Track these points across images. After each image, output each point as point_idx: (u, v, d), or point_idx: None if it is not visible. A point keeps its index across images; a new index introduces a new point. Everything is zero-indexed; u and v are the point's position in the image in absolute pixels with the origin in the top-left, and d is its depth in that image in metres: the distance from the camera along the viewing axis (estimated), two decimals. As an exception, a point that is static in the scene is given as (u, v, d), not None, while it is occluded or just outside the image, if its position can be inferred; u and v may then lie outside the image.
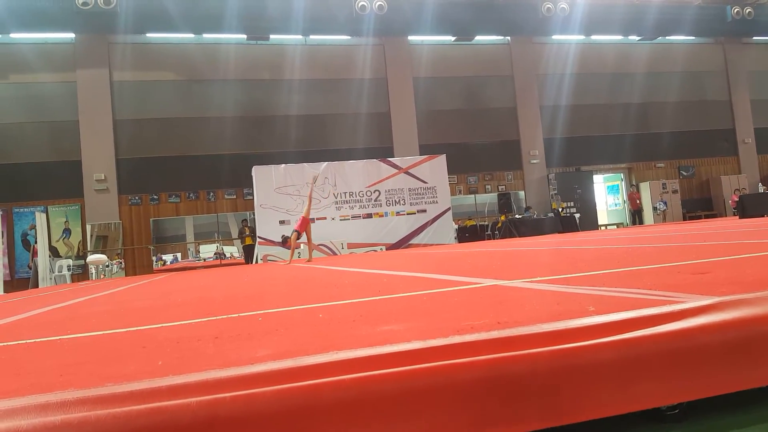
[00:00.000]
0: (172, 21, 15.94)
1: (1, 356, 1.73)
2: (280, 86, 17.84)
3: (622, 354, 1.18)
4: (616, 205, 22.20)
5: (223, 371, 1.05)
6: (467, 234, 17.34)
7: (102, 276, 14.70)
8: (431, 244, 15.13)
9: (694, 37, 21.56)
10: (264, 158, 16.10)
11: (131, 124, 16.72)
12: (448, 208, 15.84)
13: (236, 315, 2.20)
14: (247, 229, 16.37)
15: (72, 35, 16.49)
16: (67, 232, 16.20)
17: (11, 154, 15.96)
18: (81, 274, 15.85)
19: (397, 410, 1.01)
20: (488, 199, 19.55)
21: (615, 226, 20.90)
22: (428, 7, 17.33)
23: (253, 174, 14.79)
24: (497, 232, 17.19)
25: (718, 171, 21.65)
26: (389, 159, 16.10)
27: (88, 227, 16.12)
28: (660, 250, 4.19)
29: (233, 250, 18.07)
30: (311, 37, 18.02)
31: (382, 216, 15.33)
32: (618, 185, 21.99)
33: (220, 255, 17.68)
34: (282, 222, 14.58)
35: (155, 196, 16.75)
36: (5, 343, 2.07)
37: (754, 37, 22.20)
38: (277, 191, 14.58)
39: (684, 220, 19.96)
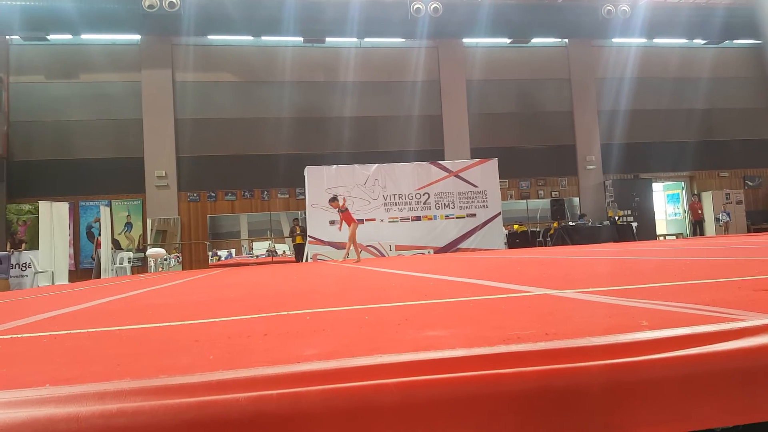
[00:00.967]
0: (233, 24, 16.42)
1: (64, 344, 1.83)
2: (335, 88, 18.08)
3: (676, 372, 1.14)
4: (675, 214, 21.34)
5: (271, 368, 1.07)
6: (518, 240, 17.05)
7: (160, 269, 15.29)
8: (480, 249, 14.97)
9: (761, 41, 20.47)
10: (317, 159, 16.37)
11: (191, 123, 17.32)
12: (499, 213, 15.64)
13: (285, 313, 2.25)
14: (298, 228, 16.67)
15: (138, 37, 17.24)
16: (128, 225, 16.93)
17: (79, 150, 16.81)
18: (140, 266, 16.53)
19: (440, 417, 1.01)
20: (540, 204, 19.18)
21: (674, 237, 20.11)
22: (484, 8, 17.17)
23: (305, 174, 15.04)
24: (549, 239, 16.83)
25: (788, 181, 20.53)
26: (440, 162, 16.04)
27: (149, 222, 16.79)
28: (720, 263, 4.02)
29: (285, 248, 18.42)
30: (366, 39, 18.17)
31: (431, 219, 15.28)
32: (678, 194, 21.13)
33: (271, 252, 18.06)
34: (332, 222, 14.75)
35: (212, 194, 17.28)
36: (69, 331, 2.18)
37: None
38: (328, 191, 14.76)
39: (748, 232, 18.99)
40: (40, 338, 2.01)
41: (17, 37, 16.66)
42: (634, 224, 17.75)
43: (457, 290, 2.91)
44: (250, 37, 17.53)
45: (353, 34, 17.34)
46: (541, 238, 17.21)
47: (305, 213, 15.37)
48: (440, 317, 1.87)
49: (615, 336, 1.24)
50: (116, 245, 16.15)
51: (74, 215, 16.45)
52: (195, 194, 17.21)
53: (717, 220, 19.29)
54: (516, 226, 17.48)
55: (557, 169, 19.25)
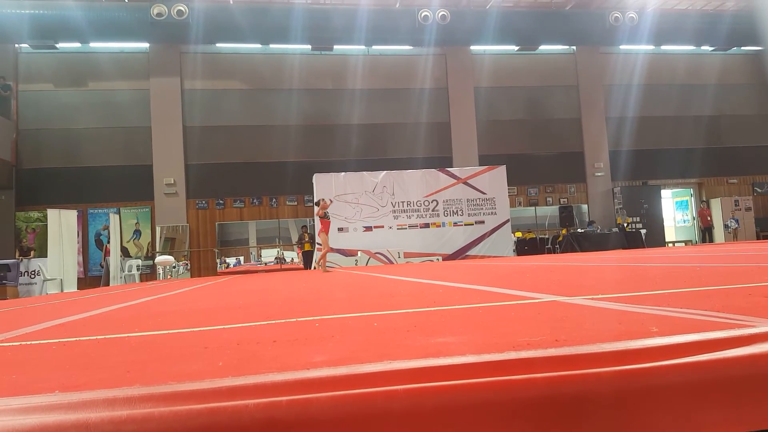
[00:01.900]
0: (240, 32, 16.53)
1: (73, 351, 1.84)
2: (343, 96, 18.15)
3: (686, 378, 1.13)
4: (684, 221, 21.19)
5: (280, 375, 1.08)
6: (526, 247, 16.99)
7: (169, 276, 15.34)
8: (489, 256, 14.93)
9: (763, 48, 20.38)
10: (325, 166, 16.41)
11: (200, 131, 17.43)
12: (507, 220, 15.60)
13: (294, 320, 2.25)
14: (306, 235, 16.70)
15: (146, 45, 17.39)
16: (137, 233, 17.02)
17: (88, 157, 16.94)
18: (149, 274, 16.60)
19: (450, 424, 1.01)
20: (549, 211, 19.11)
21: (683, 244, 19.96)
22: (491, 16, 17.20)
23: (313, 181, 15.09)
24: (558, 246, 16.76)
25: (800, 188, 20.34)
26: (448, 169, 16.04)
27: (158, 229, 16.87)
28: (730, 270, 3.98)
29: (293, 255, 18.45)
30: (373, 47, 18.25)
31: (439, 226, 15.26)
32: (687, 201, 20.99)
33: (280, 260, 18.09)
34: (341, 229, 14.77)
35: (221, 201, 17.35)
36: (78, 338, 2.19)
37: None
38: (337, 198, 14.80)
39: (758, 239, 18.82)
40: (50, 345, 2.02)
41: (26, 45, 16.86)
42: (643, 231, 17.64)
43: (466, 297, 2.90)
44: (258, 45, 17.64)
45: (361, 41, 17.42)
46: (549, 246, 17.14)
47: (314, 220, 15.40)
48: (449, 324, 1.86)
49: (625, 342, 1.23)
50: (125, 253, 16.24)
51: (83, 223, 16.56)
52: (203, 202, 17.29)
53: (726, 227, 19.14)
54: (518, 234, 17.41)
55: (566, 176, 19.19)
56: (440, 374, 1.08)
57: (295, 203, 17.70)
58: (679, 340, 1.25)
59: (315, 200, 12.01)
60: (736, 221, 19.04)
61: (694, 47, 19.95)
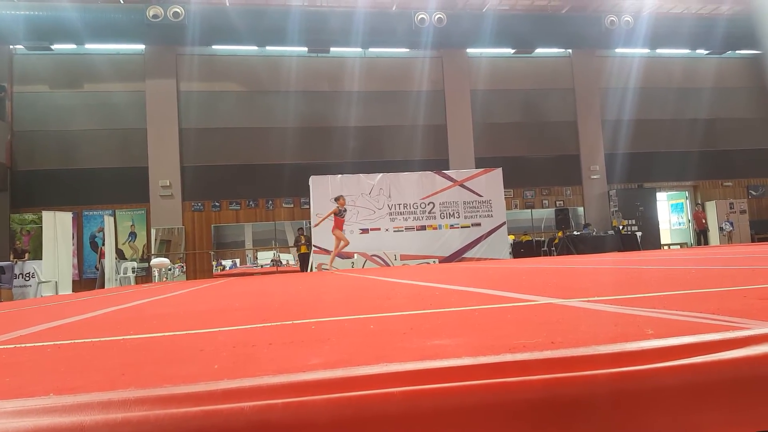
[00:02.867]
0: (237, 34, 16.54)
1: (68, 353, 1.83)
2: (339, 98, 18.16)
3: (682, 380, 1.13)
4: (680, 224, 21.26)
5: (275, 377, 1.07)
6: (522, 249, 17.02)
7: (164, 279, 15.30)
8: (485, 259, 14.94)
9: (761, 51, 20.50)
10: (321, 168, 16.41)
11: (196, 133, 17.41)
12: (504, 223, 15.62)
13: (290, 322, 2.25)
14: (302, 237, 16.68)
15: (142, 47, 17.37)
16: (132, 235, 16.97)
17: (83, 159, 16.90)
18: (144, 276, 16.56)
19: (447, 426, 1.01)
20: (545, 214, 19.16)
21: (678, 246, 20.02)
22: (488, 19, 17.26)
23: (310, 184, 15.07)
24: (554, 248, 16.79)
25: (792, 191, 20.46)
26: (444, 171, 16.06)
27: (153, 231, 16.83)
28: (725, 272, 4.00)
29: (289, 258, 18.43)
30: (370, 49, 18.27)
31: (435, 228, 15.27)
32: (682, 204, 21.06)
33: (276, 262, 18.05)
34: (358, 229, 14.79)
35: (217, 203, 17.33)
36: (72, 341, 2.18)
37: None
38: (333, 201, 14.78)
39: (752, 241, 18.90)
40: (44, 348, 2.01)
41: (21, 46, 16.81)
42: (639, 234, 17.69)
43: (463, 299, 2.90)
44: (255, 47, 17.64)
45: (358, 44, 17.46)
46: (545, 248, 17.17)
47: (310, 222, 15.39)
48: (446, 326, 1.86)
49: (621, 344, 1.23)
50: (120, 255, 16.19)
51: (78, 225, 16.51)
52: (199, 204, 17.26)
53: (721, 229, 19.21)
54: (512, 237, 17.41)
55: (562, 178, 19.24)
56: (436, 376, 1.08)
57: (292, 205, 17.69)
58: (674, 342, 1.25)
59: (335, 196, 11.99)
60: (731, 224, 19.13)
61: (690, 51, 20.05)
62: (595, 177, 19.25)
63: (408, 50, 18.49)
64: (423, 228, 15.21)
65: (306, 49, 17.76)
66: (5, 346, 2.10)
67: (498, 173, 15.84)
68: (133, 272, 15.81)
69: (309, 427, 0.96)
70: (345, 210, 10.56)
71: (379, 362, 1.15)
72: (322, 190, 14.88)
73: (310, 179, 15.11)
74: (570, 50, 19.57)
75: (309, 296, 4.24)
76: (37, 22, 15.57)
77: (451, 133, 18.54)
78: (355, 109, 18.09)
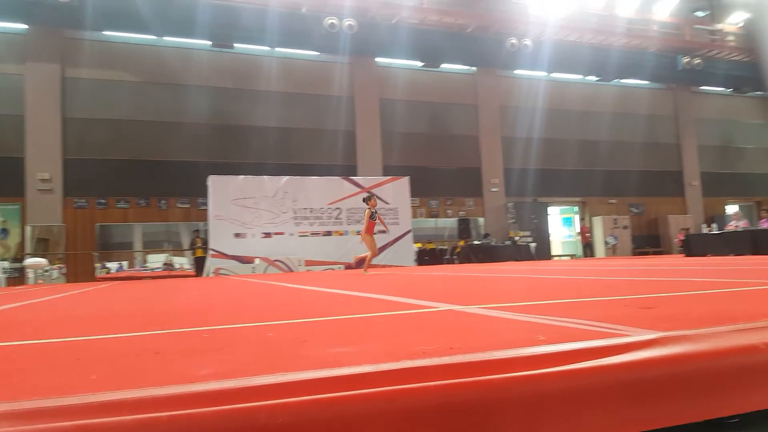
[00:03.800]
0: (135, 21, 15.60)
1: None
2: (245, 96, 17.66)
3: (569, 384, 1.18)
4: (569, 237, 22.76)
5: (160, 389, 1.00)
6: (427, 257, 17.43)
7: (40, 281, 14.05)
8: (390, 266, 15.13)
9: (648, 82, 22.55)
10: (222, 168, 15.83)
11: (82, 123, 16.16)
12: (409, 231, 15.91)
13: (180, 330, 2.13)
14: (199, 240, 15.94)
15: (24, 26, 15.90)
16: (4, 232, 15.46)
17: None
18: (17, 277, 15.08)
19: (343, 436, 0.98)
20: (449, 223, 19.76)
21: (568, 257, 21.38)
22: (398, 31, 17.59)
23: (208, 183, 14.50)
24: (456, 256, 17.34)
25: (666, 210, 22.50)
26: (352, 177, 16.11)
27: (28, 229, 15.40)
28: (609, 283, 4.30)
29: (183, 262, 17.54)
30: (278, 49, 17.96)
31: (342, 234, 15.26)
32: (572, 218, 22.58)
33: (169, 266, 17.10)
34: (237, 235, 14.30)
35: (103, 200, 16.20)
36: (-73, 349, 1.93)
37: (702, 87, 23.39)
38: (234, 203, 14.34)
39: (633, 255, 20.59)
40: None
41: None
42: (533, 245, 18.70)
43: (366, 306, 2.89)
44: (154, 37, 16.69)
45: (265, 42, 17.12)
46: (448, 256, 17.69)
47: (207, 225, 14.80)
48: (347, 333, 1.84)
49: (515, 350, 1.27)
50: (-10, 254, 14.71)
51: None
52: (83, 200, 16.04)
53: (606, 243, 20.74)
54: (417, 245, 17.81)
55: (464, 189, 19.94)
56: (335, 385, 1.05)
57: (188, 206, 16.90)
58: (563, 348, 1.31)
59: (365, 197, 11.43)
60: (615, 238, 20.71)
61: (582, 77, 21.55)
62: (494, 190, 20.15)
63: (318, 54, 18.40)
64: (329, 234, 15.15)
65: (210, 42, 17.11)
66: None
67: (405, 182, 16.14)
68: (4, 273, 14.42)
69: (196, 442, 0.90)
70: (377, 212, 10.12)
71: (275, 372, 1.10)
72: (222, 190, 14.38)
73: (209, 179, 14.53)
74: (474, 68, 20.38)
75: (203, 302, 4.07)
76: None
77: (360, 140, 18.66)
78: (261, 109, 17.66)
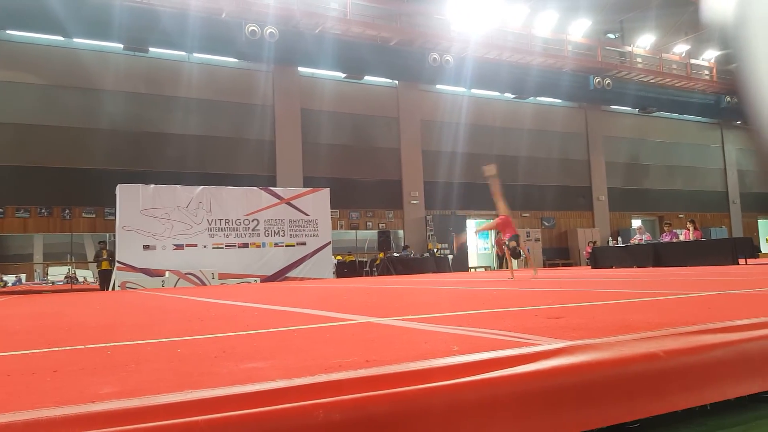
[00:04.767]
0: (43, 20, 14.62)
1: None
2: (161, 102, 16.96)
3: (482, 394, 1.21)
4: (485, 249, 23.52)
5: (58, 409, 0.93)
6: (346, 269, 17.39)
7: (-75, 295, 12.75)
8: (309, 278, 14.96)
9: (561, 101, 23.79)
10: (135, 176, 15.04)
11: (-20, 126, 14.93)
12: (329, 242, 15.81)
13: (81, 347, 1.99)
14: (105, 252, 14.98)
15: None
16: None
17: None
18: None
19: (254, 454, 0.95)
20: (369, 235, 19.85)
21: (483, 269, 22.05)
22: (321, 41, 17.56)
23: (117, 193, 13.72)
24: (375, 268, 17.43)
25: (576, 224, 23.79)
26: (271, 188, 15.83)
27: None
28: (520, 294, 4.47)
29: (87, 275, 16.44)
30: (199, 55, 17.43)
31: (259, 246, 14.91)
32: (487, 231, 23.32)
33: (71, 279, 15.97)
34: (147, 246, 13.60)
35: (0, 209, 14.99)
36: None
37: (611, 106, 25.02)
38: (144, 213, 13.65)
39: (544, 266, 21.56)
40: None
41: None
42: (450, 257, 19.14)
43: (282, 320, 2.84)
44: (61, 38, 15.69)
45: (186, 48, 16.56)
46: (368, 268, 17.75)
47: (115, 236, 13.97)
48: (261, 348, 1.80)
49: (430, 361, 1.28)
50: None
51: None
52: (-23, 208, 14.75)
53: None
54: (337, 257, 17.77)
55: (385, 202, 20.12)
56: (246, 402, 1.02)
57: (93, 216, 15.91)
58: (476, 357, 1.34)
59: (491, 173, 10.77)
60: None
61: (499, 93, 22.42)
62: (414, 202, 20.48)
63: (237, 61, 18.02)
64: (245, 246, 14.76)
65: (122, 45, 16.30)
66: None
67: (325, 193, 16.05)
68: None
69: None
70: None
71: (183, 389, 1.05)
72: (131, 200, 13.64)
73: (117, 188, 13.74)
74: (396, 81, 20.71)
75: (108, 317, 3.84)
76: None
77: (280, 150, 18.39)
78: (179, 116, 17.01)
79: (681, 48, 25.00)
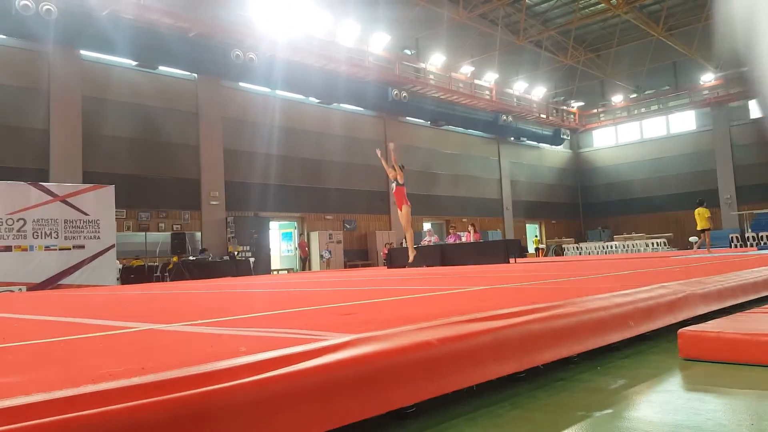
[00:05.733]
0: None
1: None
2: None
3: (264, 393, 1.22)
4: (288, 251, 23.56)
5: None
6: (133, 275, 15.97)
7: None
8: (88, 285, 13.43)
9: (364, 109, 24.84)
10: None
11: None
12: (113, 246, 14.35)
13: None
14: None
15: None
16: None
17: None
18: None
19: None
20: (161, 238, 18.45)
21: (286, 271, 22.07)
22: (108, 24, 15.95)
23: None
24: (168, 273, 16.31)
25: (375, 227, 25.06)
26: (42, 184, 13.87)
27: None
28: (317, 294, 4.58)
29: None
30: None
31: (26, 250, 12.96)
32: (291, 233, 23.44)
33: None
34: None
35: None
36: None
37: (407, 117, 26.85)
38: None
39: (345, 267, 22.32)
40: None
41: None
42: (252, 259, 18.78)
43: (48, 331, 2.52)
44: None
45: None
46: (159, 273, 16.52)
47: None
48: (17, 362, 1.58)
49: (213, 363, 1.25)
50: None
51: None
52: None
53: (321, 257, 22.06)
54: (123, 261, 16.32)
55: (181, 202, 18.96)
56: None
57: None
58: (263, 356, 1.34)
59: (398, 164, 9.61)
60: (329, 252, 22.16)
61: (303, 96, 22.62)
62: (214, 203, 19.63)
63: (5, 37, 15.52)
64: (9, 249, 12.69)
65: None
66: None
67: (109, 191, 14.54)
68: None
69: None
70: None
71: None
72: None
73: None
74: (195, 74, 19.66)
75: None
76: None
77: (55, 141, 16.21)
78: None
79: (467, 69, 27.88)
